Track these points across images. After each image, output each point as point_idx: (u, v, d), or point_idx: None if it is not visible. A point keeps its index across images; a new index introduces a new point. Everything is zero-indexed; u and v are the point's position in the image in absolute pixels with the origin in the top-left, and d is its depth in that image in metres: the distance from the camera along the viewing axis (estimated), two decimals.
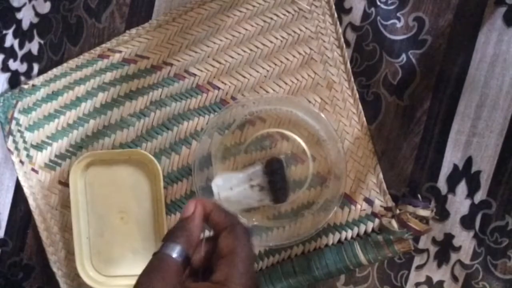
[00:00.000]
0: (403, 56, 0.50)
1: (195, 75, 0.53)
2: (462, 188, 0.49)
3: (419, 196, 0.50)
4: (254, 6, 0.52)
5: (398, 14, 0.50)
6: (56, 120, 0.55)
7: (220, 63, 0.52)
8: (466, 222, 0.49)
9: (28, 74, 0.58)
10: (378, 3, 0.50)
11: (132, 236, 0.54)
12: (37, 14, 0.58)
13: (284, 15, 0.51)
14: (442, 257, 0.50)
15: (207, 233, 0.37)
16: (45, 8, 0.58)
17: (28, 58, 0.58)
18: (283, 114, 0.51)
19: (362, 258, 0.49)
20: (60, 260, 0.56)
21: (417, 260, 0.51)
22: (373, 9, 0.50)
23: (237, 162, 0.51)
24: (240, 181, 0.48)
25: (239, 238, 0.34)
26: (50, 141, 0.56)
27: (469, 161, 0.49)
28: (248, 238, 0.34)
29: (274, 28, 0.52)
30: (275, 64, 0.51)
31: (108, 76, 0.55)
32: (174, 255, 0.32)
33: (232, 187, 0.48)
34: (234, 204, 0.48)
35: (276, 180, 0.48)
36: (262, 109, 0.50)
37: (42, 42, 0.58)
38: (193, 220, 0.35)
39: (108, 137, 0.54)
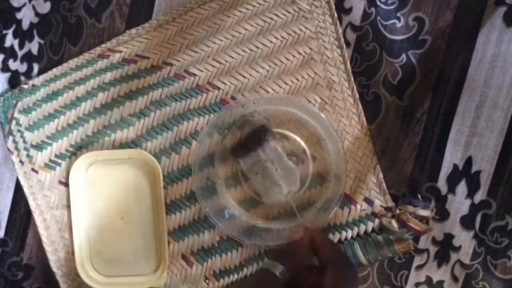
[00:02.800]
0: (403, 56, 0.50)
1: (195, 75, 0.53)
2: (462, 188, 0.49)
3: (419, 196, 0.50)
4: (254, 6, 0.52)
5: (398, 14, 0.50)
6: (56, 120, 0.55)
7: (220, 63, 0.52)
8: (466, 222, 0.49)
9: (28, 74, 0.58)
10: (378, 3, 0.50)
11: (132, 236, 0.54)
12: (37, 14, 0.58)
13: (284, 15, 0.51)
14: (442, 257, 0.50)
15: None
16: (45, 8, 0.58)
17: (28, 58, 0.58)
18: (283, 114, 0.51)
19: (362, 258, 0.49)
20: (60, 260, 0.56)
21: (417, 260, 0.51)
22: (373, 9, 0.50)
23: (237, 162, 0.51)
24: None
25: (345, 277, 0.35)
26: (50, 141, 0.56)
27: (469, 161, 0.49)
28: (355, 279, 0.35)
29: (274, 28, 0.52)
30: (275, 64, 0.51)
31: (108, 76, 0.55)
32: (278, 273, 0.34)
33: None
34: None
35: (249, 139, 0.49)
36: (262, 109, 0.50)
37: (42, 42, 0.58)
38: (301, 244, 0.37)
39: (108, 137, 0.54)
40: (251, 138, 0.49)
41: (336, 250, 0.39)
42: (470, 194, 0.49)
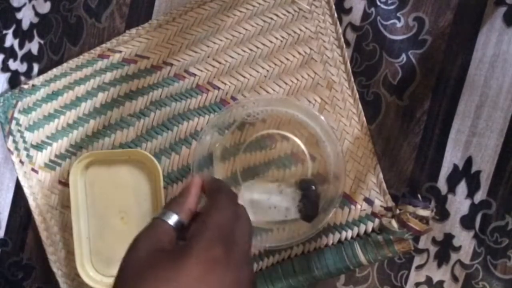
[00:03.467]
0: (403, 56, 0.50)
1: (195, 75, 0.53)
2: (462, 188, 0.49)
3: (419, 196, 0.50)
4: (254, 6, 0.52)
5: (398, 14, 0.50)
6: (56, 120, 0.55)
7: (220, 63, 0.52)
8: (466, 222, 0.49)
9: (28, 74, 0.58)
10: (378, 3, 0.50)
11: (132, 236, 0.54)
12: (37, 14, 0.58)
13: (284, 15, 0.51)
14: (442, 257, 0.50)
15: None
16: (45, 8, 0.58)
17: (28, 58, 0.58)
18: (283, 115, 0.51)
19: (362, 258, 0.49)
20: (60, 260, 0.56)
21: (417, 260, 0.51)
22: (373, 9, 0.50)
23: (236, 162, 0.51)
24: (270, 189, 0.48)
25: (218, 201, 0.35)
26: (50, 141, 0.56)
27: (469, 161, 0.49)
28: (231, 204, 0.35)
29: (274, 28, 0.52)
30: (275, 64, 0.51)
31: (108, 76, 0.55)
32: (170, 222, 0.34)
33: (261, 192, 0.48)
34: (258, 211, 0.48)
35: (309, 195, 0.47)
36: (262, 110, 0.50)
37: (42, 42, 0.58)
38: (190, 190, 0.37)
39: (108, 137, 0.54)
40: (309, 195, 0.48)
41: (216, 182, 0.39)
42: (470, 194, 0.49)
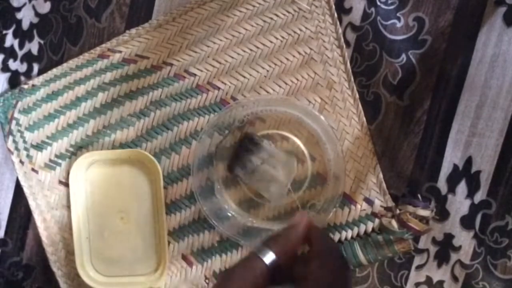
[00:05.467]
0: (403, 56, 0.50)
1: (195, 75, 0.53)
2: (462, 188, 0.49)
3: (419, 196, 0.50)
4: (254, 6, 0.52)
5: (398, 14, 0.50)
6: (56, 120, 0.55)
7: (220, 63, 0.52)
8: (466, 222, 0.49)
9: (28, 74, 0.58)
10: (378, 3, 0.50)
11: (132, 236, 0.54)
12: (37, 14, 0.58)
13: (284, 15, 0.51)
14: (442, 257, 0.50)
15: None
16: (45, 8, 0.58)
17: (28, 58, 0.58)
18: (282, 115, 0.51)
19: (362, 258, 0.49)
20: (60, 260, 0.56)
21: (417, 260, 0.51)
22: (373, 9, 0.50)
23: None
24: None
25: (330, 269, 0.33)
26: (50, 141, 0.56)
27: (469, 161, 0.49)
28: (342, 276, 0.33)
29: (274, 28, 0.52)
30: (275, 64, 0.51)
31: (108, 76, 0.55)
32: (266, 261, 0.33)
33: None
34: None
35: (239, 151, 0.49)
36: (262, 110, 0.50)
37: (42, 42, 0.58)
38: (296, 230, 0.35)
39: (108, 137, 0.54)
40: (240, 149, 0.50)
41: (326, 240, 0.37)
42: (470, 194, 0.49)
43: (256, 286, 0.31)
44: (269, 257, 0.33)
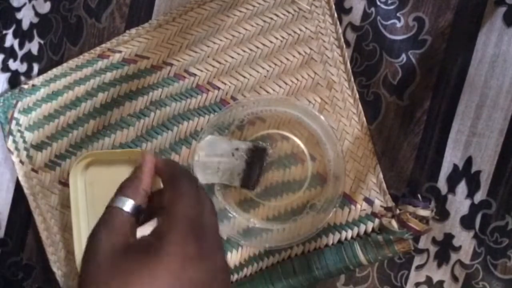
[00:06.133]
0: (403, 56, 0.50)
1: (195, 75, 0.53)
2: (462, 188, 0.49)
3: (419, 196, 0.50)
4: (254, 6, 0.52)
5: (398, 14, 0.50)
6: (56, 120, 0.55)
7: (220, 63, 0.52)
8: (466, 222, 0.49)
9: (28, 74, 0.58)
10: (378, 3, 0.50)
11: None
12: (37, 14, 0.58)
13: (284, 15, 0.51)
14: (442, 257, 0.50)
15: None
16: (45, 8, 0.58)
17: (28, 58, 0.58)
18: (283, 114, 0.51)
19: (362, 258, 0.49)
20: (60, 260, 0.56)
21: (417, 260, 0.51)
22: (373, 9, 0.50)
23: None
24: (224, 148, 0.49)
25: (180, 189, 0.32)
26: (50, 141, 0.56)
27: (469, 161, 0.49)
28: (194, 190, 0.33)
29: (274, 28, 0.52)
30: (275, 64, 0.51)
31: (108, 76, 0.55)
32: (126, 209, 0.32)
33: (213, 154, 0.49)
34: (208, 173, 0.49)
35: (254, 164, 0.49)
36: (262, 110, 0.50)
37: (42, 42, 0.58)
38: (143, 171, 0.35)
39: (108, 137, 0.54)
40: (255, 165, 0.49)
41: (173, 166, 0.36)
42: (470, 194, 0.49)
43: (126, 237, 0.30)
44: (127, 204, 0.32)
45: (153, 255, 0.28)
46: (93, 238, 0.30)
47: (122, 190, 0.34)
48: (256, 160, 0.49)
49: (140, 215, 0.33)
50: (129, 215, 0.32)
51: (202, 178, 0.40)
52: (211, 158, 0.48)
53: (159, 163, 0.36)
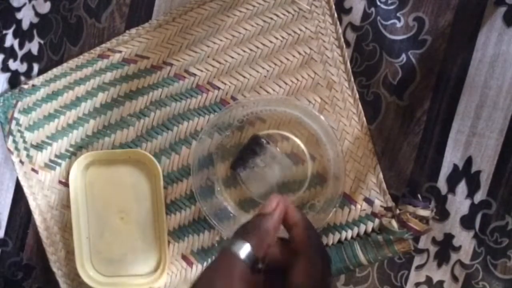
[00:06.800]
0: (403, 56, 0.50)
1: (195, 75, 0.53)
2: (462, 188, 0.49)
3: (419, 196, 0.50)
4: (254, 6, 0.52)
5: (398, 14, 0.50)
6: (56, 120, 0.55)
7: (220, 63, 0.52)
8: (466, 222, 0.49)
9: (28, 74, 0.58)
10: (378, 3, 0.50)
11: (132, 236, 0.54)
12: (37, 14, 0.58)
13: (284, 15, 0.51)
14: (442, 257, 0.50)
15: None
16: (45, 8, 0.58)
17: (28, 58, 0.58)
18: (283, 114, 0.51)
19: (362, 258, 0.48)
20: (60, 260, 0.56)
21: (417, 260, 0.51)
22: (373, 9, 0.50)
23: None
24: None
25: (321, 269, 0.30)
26: (50, 141, 0.56)
27: (469, 161, 0.49)
28: (329, 270, 0.31)
29: (274, 28, 0.52)
30: (275, 64, 0.51)
31: (108, 76, 0.55)
32: (242, 256, 0.29)
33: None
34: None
35: (245, 151, 0.50)
36: (262, 110, 0.50)
37: (42, 42, 0.58)
38: (272, 218, 0.31)
39: (108, 137, 0.54)
40: (245, 149, 0.50)
41: (313, 232, 0.32)
42: (470, 194, 0.49)
43: (239, 285, 0.28)
44: (244, 250, 0.29)
45: None
46: (207, 281, 0.28)
47: (244, 235, 0.30)
48: (251, 146, 0.50)
49: (255, 266, 0.30)
50: (245, 264, 0.29)
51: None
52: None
53: (293, 214, 0.32)
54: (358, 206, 0.50)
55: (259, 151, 0.49)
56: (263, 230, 0.30)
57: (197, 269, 0.53)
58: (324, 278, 0.30)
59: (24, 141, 0.56)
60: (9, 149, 0.57)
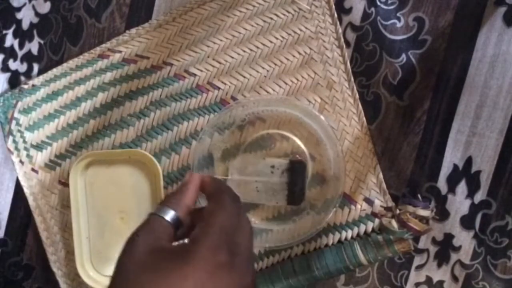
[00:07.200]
0: (403, 56, 0.50)
1: (195, 75, 0.53)
2: (462, 188, 0.49)
3: (419, 196, 0.50)
4: (254, 6, 0.52)
5: (398, 14, 0.50)
6: (56, 120, 0.55)
7: (220, 63, 0.52)
8: (466, 222, 0.49)
9: (28, 74, 0.58)
10: (378, 3, 0.50)
11: None
12: (37, 14, 0.58)
13: (284, 15, 0.51)
14: (442, 257, 0.50)
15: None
16: (45, 8, 0.58)
17: (28, 58, 0.58)
18: (283, 114, 0.51)
19: (362, 258, 0.49)
20: (60, 260, 0.56)
21: (417, 260, 0.51)
22: (373, 9, 0.50)
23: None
24: (259, 167, 0.48)
25: (222, 203, 0.34)
26: (50, 141, 0.56)
27: (469, 161, 0.49)
28: (234, 207, 0.34)
29: (274, 28, 0.52)
30: (275, 64, 0.51)
31: (108, 76, 0.55)
32: (167, 218, 0.33)
33: (248, 172, 0.48)
34: (242, 192, 0.47)
35: (296, 180, 0.47)
36: (262, 110, 0.50)
37: (42, 42, 0.58)
38: (188, 187, 0.36)
39: (108, 137, 0.54)
40: (298, 180, 0.47)
41: (219, 183, 0.38)
42: (470, 194, 0.49)
43: (162, 241, 0.32)
44: (169, 214, 0.33)
45: (185, 256, 0.29)
46: (130, 239, 0.32)
47: (166, 201, 0.35)
48: (297, 175, 0.47)
49: (178, 229, 0.34)
50: (169, 224, 0.33)
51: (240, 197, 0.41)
52: (245, 177, 0.48)
53: (205, 180, 0.38)
54: (358, 206, 0.50)
55: (306, 171, 0.48)
56: (183, 196, 0.35)
57: None
58: (235, 205, 0.34)
59: (24, 141, 0.56)
60: (9, 149, 0.57)
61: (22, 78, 0.58)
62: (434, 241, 0.50)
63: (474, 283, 0.50)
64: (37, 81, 0.57)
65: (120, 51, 0.55)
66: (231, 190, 0.37)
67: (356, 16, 0.51)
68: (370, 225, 0.50)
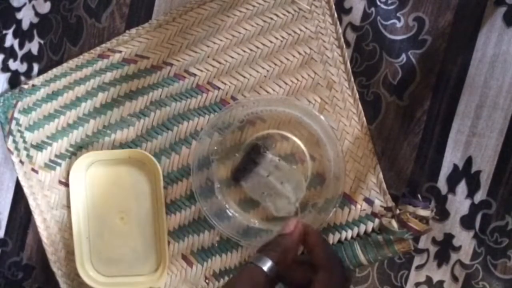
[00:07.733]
0: (403, 56, 0.50)
1: (195, 75, 0.53)
2: (462, 188, 0.49)
3: (419, 196, 0.50)
4: (254, 6, 0.52)
5: (398, 14, 0.50)
6: (56, 120, 0.55)
7: (220, 63, 0.52)
8: (466, 222, 0.49)
9: (28, 74, 0.58)
10: (378, 3, 0.50)
11: (132, 236, 0.54)
12: (37, 14, 0.58)
13: (284, 15, 0.51)
14: (442, 257, 0.50)
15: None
16: (45, 8, 0.58)
17: (28, 58, 0.58)
18: (282, 114, 0.51)
19: (362, 258, 0.48)
20: (60, 260, 0.56)
21: (417, 260, 0.51)
22: (373, 9, 0.50)
23: (236, 162, 0.51)
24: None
25: (336, 279, 0.33)
26: (50, 141, 0.56)
27: (469, 161, 0.49)
28: (342, 274, 0.34)
29: (274, 28, 0.52)
30: (275, 64, 0.51)
31: (108, 76, 0.55)
32: (265, 269, 0.33)
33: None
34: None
35: (246, 161, 0.49)
36: (262, 110, 0.50)
37: (42, 42, 0.58)
38: (292, 238, 0.35)
39: (108, 137, 0.54)
40: (247, 158, 0.50)
41: (330, 249, 0.37)
42: (470, 194, 0.49)
43: None
44: (267, 265, 0.33)
45: None
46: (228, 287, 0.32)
47: (265, 250, 0.34)
48: (251, 156, 0.49)
49: (276, 279, 0.34)
50: (266, 275, 0.33)
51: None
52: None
53: (310, 232, 0.36)
54: (358, 206, 0.50)
55: (259, 160, 0.49)
56: (284, 248, 0.34)
57: (197, 269, 0.53)
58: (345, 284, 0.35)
59: (24, 141, 0.56)
60: (9, 149, 0.57)
61: (22, 78, 0.58)
62: (434, 241, 0.50)
63: (474, 283, 0.50)
64: (37, 81, 0.57)
65: (120, 51, 0.55)
66: (341, 260, 0.36)
67: (356, 16, 0.51)
68: (370, 225, 0.50)
